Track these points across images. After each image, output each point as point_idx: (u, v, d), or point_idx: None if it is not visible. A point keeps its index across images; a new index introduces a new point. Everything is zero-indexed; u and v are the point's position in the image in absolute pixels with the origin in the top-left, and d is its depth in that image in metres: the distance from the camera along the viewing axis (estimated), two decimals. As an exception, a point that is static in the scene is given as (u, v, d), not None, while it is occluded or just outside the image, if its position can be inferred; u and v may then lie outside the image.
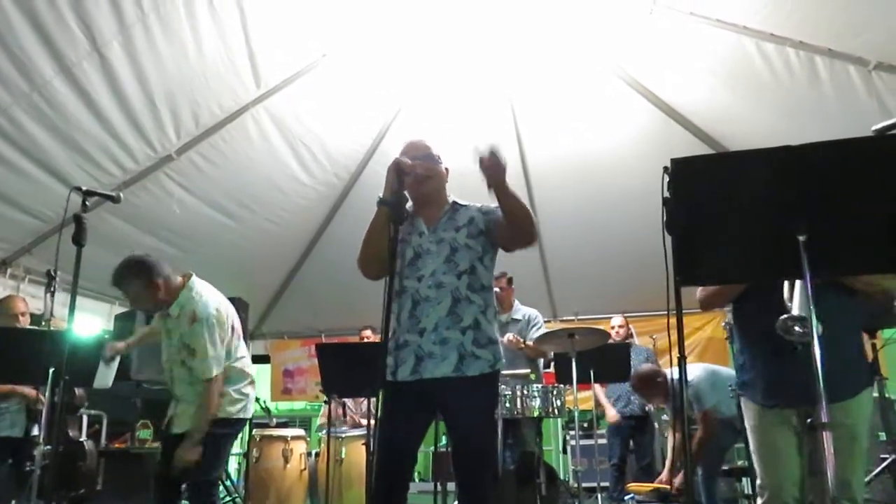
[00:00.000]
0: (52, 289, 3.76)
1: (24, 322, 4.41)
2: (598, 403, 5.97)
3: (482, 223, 2.62)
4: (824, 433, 1.78)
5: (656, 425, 6.26)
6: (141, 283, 3.25)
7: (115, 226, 5.55)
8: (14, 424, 4.24)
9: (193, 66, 4.58)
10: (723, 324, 4.01)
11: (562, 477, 5.28)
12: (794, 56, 4.52)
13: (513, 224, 2.48)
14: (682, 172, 1.91)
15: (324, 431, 4.99)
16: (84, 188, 2.62)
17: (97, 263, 5.71)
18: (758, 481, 2.37)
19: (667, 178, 2.01)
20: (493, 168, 2.29)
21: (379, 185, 2.51)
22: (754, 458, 2.42)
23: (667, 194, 2.01)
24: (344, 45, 5.09)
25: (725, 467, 4.60)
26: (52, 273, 4.07)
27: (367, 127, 6.04)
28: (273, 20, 4.60)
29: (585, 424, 6.86)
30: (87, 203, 2.62)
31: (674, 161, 1.89)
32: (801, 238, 1.83)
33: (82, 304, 6.15)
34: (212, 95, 4.92)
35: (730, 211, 1.94)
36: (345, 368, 4.04)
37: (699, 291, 2.62)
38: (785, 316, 1.94)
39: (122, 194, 2.86)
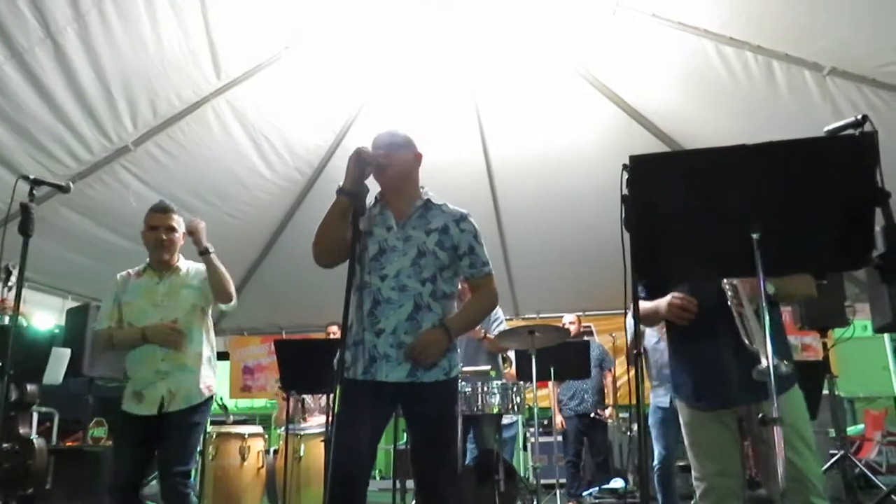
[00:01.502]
0: (8, 283, 3.64)
1: None
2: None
3: (457, 239, 2.56)
4: (775, 428, 1.82)
5: (609, 423, 6.36)
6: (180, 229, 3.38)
7: (68, 218, 5.42)
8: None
9: (151, 55, 4.48)
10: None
11: (521, 474, 5.30)
12: (752, 60, 4.62)
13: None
14: (640, 169, 1.92)
15: (282, 429, 4.93)
16: (32, 177, 2.54)
17: (51, 256, 5.62)
18: (694, 474, 2.42)
19: (625, 176, 2.02)
20: None
21: (341, 180, 2.49)
22: (689, 453, 2.46)
23: (625, 191, 2.03)
24: (307, 38, 5.04)
25: (681, 463, 4.67)
26: (10, 267, 3.95)
27: (329, 122, 5.98)
28: (234, 10, 4.53)
29: (546, 422, 6.92)
30: (34, 192, 2.54)
31: (632, 158, 1.90)
32: (755, 236, 1.86)
33: (34, 298, 6.00)
34: (171, 85, 4.82)
35: (686, 208, 1.95)
36: (303, 364, 3.99)
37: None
38: (760, 368, 1.96)
39: (72, 184, 2.77)
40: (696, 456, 2.42)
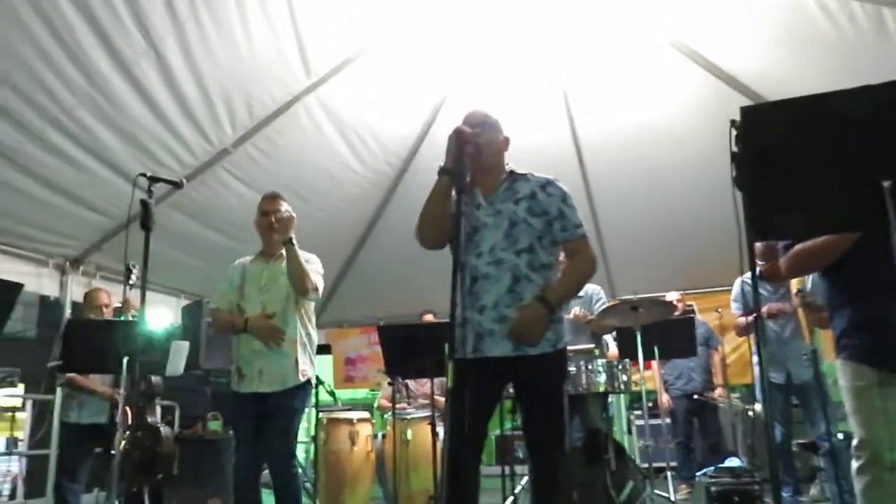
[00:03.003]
0: (129, 282, 3.88)
1: (108, 314, 4.58)
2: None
3: (546, 204, 2.55)
4: None
5: (721, 405, 6.13)
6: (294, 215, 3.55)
7: (178, 221, 5.70)
8: (100, 412, 4.41)
9: (245, 59, 4.64)
10: (794, 291, 3.85)
11: (628, 456, 5.19)
12: (859, 9, 4.31)
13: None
14: (752, 121, 1.82)
15: (387, 414, 5.04)
16: (148, 174, 2.69)
17: (164, 258, 5.94)
18: (854, 442, 2.26)
19: (734, 133, 1.93)
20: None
21: (431, 169, 2.52)
22: (852, 420, 2.30)
23: (734, 149, 1.94)
24: (390, 30, 5.09)
25: (803, 440, 4.45)
26: (130, 266, 4.22)
27: (416, 112, 6.03)
28: (320, 8, 4.63)
29: (651, 404, 6.75)
30: (151, 189, 2.69)
31: (744, 109, 1.81)
32: (886, 184, 1.73)
33: (150, 298, 6.36)
34: (264, 87, 4.99)
35: (805, 159, 1.84)
36: (407, 350, 4.05)
37: (785, 259, 2.48)
38: None
39: (184, 180, 2.93)
40: (863, 423, 2.24)
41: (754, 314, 1.98)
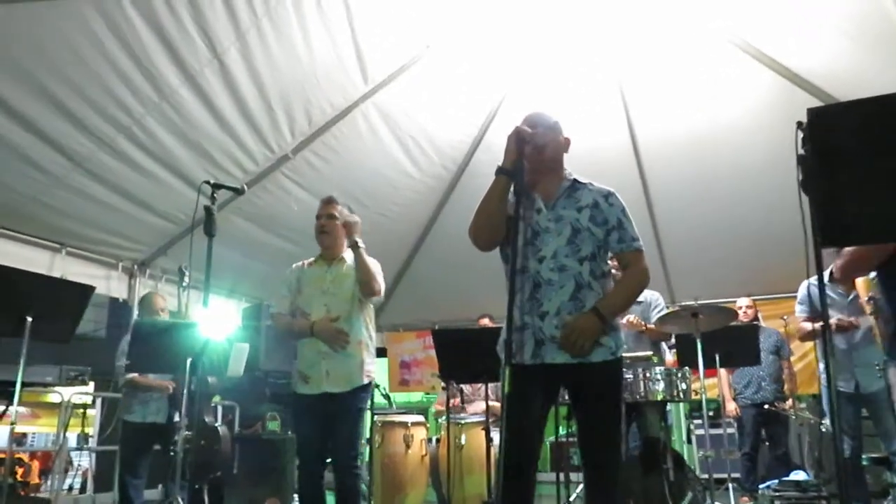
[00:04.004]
0: (183, 283, 4.01)
1: (164, 316, 4.74)
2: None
3: (607, 214, 2.53)
4: None
5: (792, 416, 5.91)
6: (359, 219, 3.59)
7: (240, 226, 5.85)
8: (159, 411, 4.57)
9: (304, 66, 4.74)
10: (865, 298, 3.69)
11: (688, 466, 5.06)
12: (936, 4, 4.11)
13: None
14: (820, 123, 1.77)
15: (442, 419, 5.05)
16: (212, 181, 2.77)
17: (226, 262, 6.10)
18: None
19: (800, 135, 1.87)
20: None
21: (486, 174, 2.51)
22: None
23: (801, 151, 1.88)
24: (446, 35, 5.12)
25: (875, 454, 4.25)
26: (183, 269, 4.38)
27: (472, 116, 6.05)
28: (377, 14, 4.69)
29: (711, 413, 6.56)
30: (215, 196, 2.77)
31: (811, 111, 1.75)
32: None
33: (213, 303, 6.56)
34: (322, 94, 5.08)
35: (876, 162, 1.77)
36: (461, 354, 4.05)
37: (838, 261, 2.44)
38: None
39: (245, 186, 3.00)
40: None
41: (822, 323, 1.90)
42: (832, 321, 2.14)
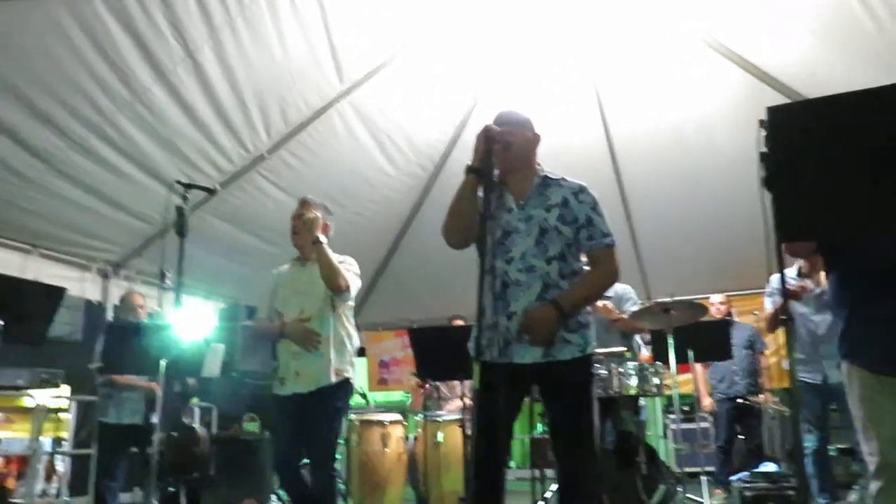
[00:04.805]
0: (164, 284, 3.99)
1: (143, 314, 4.71)
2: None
3: (577, 211, 2.53)
4: None
5: (767, 410, 6.01)
6: (320, 216, 3.57)
7: (216, 227, 5.81)
8: (135, 413, 4.53)
9: (279, 65, 4.73)
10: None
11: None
12: (900, 4, 4.20)
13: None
14: (780, 121, 1.81)
15: (419, 416, 5.06)
16: (184, 181, 2.77)
17: (202, 263, 6.07)
18: (866, 449, 2.21)
19: (762, 133, 1.91)
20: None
21: (462, 173, 2.51)
22: (861, 427, 2.25)
23: (763, 149, 1.92)
24: (422, 34, 5.13)
25: (842, 445, 4.34)
26: (164, 272, 4.33)
27: (448, 115, 6.06)
28: (352, 14, 4.69)
29: (686, 408, 6.65)
30: (187, 196, 2.76)
31: (770, 109, 1.80)
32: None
33: (189, 304, 6.51)
34: (298, 93, 5.07)
35: (836, 159, 1.82)
36: (437, 352, 4.07)
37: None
38: None
39: (219, 186, 3.00)
40: (873, 429, 2.21)
41: (784, 317, 1.95)
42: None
